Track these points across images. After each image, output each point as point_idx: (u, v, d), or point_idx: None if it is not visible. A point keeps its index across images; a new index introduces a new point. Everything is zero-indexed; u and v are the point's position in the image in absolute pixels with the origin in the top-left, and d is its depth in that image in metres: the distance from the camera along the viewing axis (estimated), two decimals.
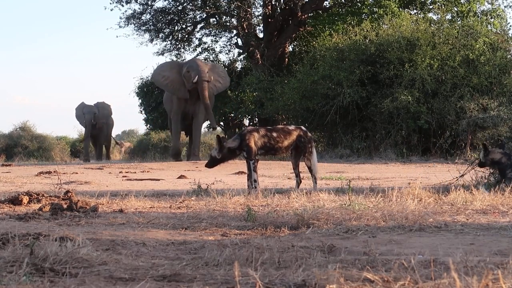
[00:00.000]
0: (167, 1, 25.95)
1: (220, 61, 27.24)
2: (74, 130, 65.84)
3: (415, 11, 23.92)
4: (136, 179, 10.95)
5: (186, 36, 26.46)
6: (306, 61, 21.60)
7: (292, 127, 7.70)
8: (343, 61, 19.61)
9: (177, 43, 26.53)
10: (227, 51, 29.36)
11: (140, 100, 27.37)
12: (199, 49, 27.10)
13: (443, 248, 3.53)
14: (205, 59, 26.54)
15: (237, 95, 24.25)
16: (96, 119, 22.90)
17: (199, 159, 18.31)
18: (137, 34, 25.91)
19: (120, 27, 25.72)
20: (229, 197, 6.47)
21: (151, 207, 6.05)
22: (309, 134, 7.72)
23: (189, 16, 26.16)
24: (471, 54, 18.40)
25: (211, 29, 26.62)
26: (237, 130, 25.02)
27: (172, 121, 19.21)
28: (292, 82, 20.70)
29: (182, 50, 26.81)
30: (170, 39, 26.30)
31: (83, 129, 23.79)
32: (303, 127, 7.80)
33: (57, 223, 4.90)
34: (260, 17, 26.33)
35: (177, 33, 26.33)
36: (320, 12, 25.40)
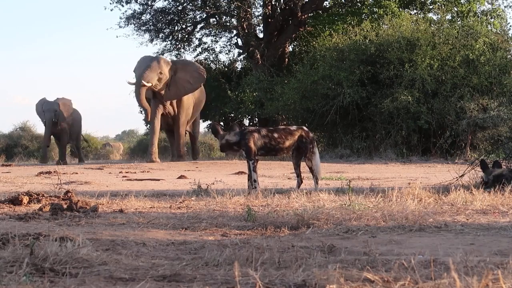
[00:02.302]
0: (167, 1, 26.01)
1: (220, 61, 27.26)
2: None
3: (415, 11, 23.94)
4: (136, 179, 10.95)
5: (186, 36, 26.48)
6: (306, 61, 21.61)
7: (293, 128, 7.70)
8: (343, 61, 19.62)
9: (177, 43, 26.54)
10: (227, 51, 29.44)
11: None
12: (199, 49, 27.15)
13: (443, 248, 3.53)
14: (205, 59, 26.56)
15: (237, 95, 24.25)
16: (57, 117, 20.69)
17: (178, 160, 17.74)
18: (137, 34, 25.98)
19: (120, 27, 25.79)
20: (229, 197, 6.47)
21: (151, 207, 6.05)
22: (311, 134, 7.71)
23: (189, 16, 26.18)
24: (471, 54, 18.41)
25: (211, 29, 26.63)
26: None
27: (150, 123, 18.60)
28: (292, 82, 20.71)
29: (182, 50, 26.83)
30: (170, 39, 26.32)
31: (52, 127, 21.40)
32: (305, 128, 7.79)
33: (57, 223, 4.90)
34: (260, 17, 26.36)
35: (177, 33, 26.34)
36: (320, 12, 25.42)
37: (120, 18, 27.70)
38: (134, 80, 17.57)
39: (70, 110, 21.36)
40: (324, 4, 25.62)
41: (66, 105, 21.16)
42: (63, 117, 20.94)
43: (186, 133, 19.36)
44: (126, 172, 13.07)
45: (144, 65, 17.29)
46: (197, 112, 19.48)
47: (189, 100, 18.46)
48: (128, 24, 25.57)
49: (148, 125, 18.74)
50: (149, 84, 17.03)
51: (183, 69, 17.86)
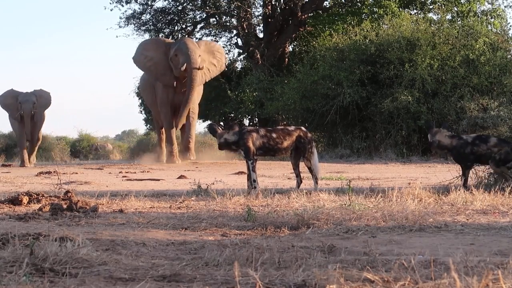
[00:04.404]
0: (167, 1, 26.02)
1: None
2: (74, 130, 65.84)
3: (415, 11, 23.93)
4: (136, 179, 10.95)
5: (186, 36, 26.48)
6: (306, 61, 21.60)
7: (292, 128, 7.72)
8: (343, 61, 19.62)
9: None
10: (227, 51, 29.38)
11: (140, 100, 27.38)
12: None
13: (443, 248, 3.53)
14: None
15: (237, 95, 24.25)
16: (34, 110, 17.98)
17: (190, 158, 16.29)
18: (137, 34, 25.97)
19: (120, 27, 25.78)
20: (229, 197, 6.47)
21: (151, 207, 6.05)
22: (309, 134, 7.73)
23: (189, 16, 26.18)
24: (471, 54, 18.40)
25: (211, 29, 26.64)
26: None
27: (162, 115, 16.72)
28: (292, 82, 20.70)
29: None
30: (170, 39, 26.31)
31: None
32: (303, 128, 7.81)
33: (57, 223, 4.90)
34: (260, 17, 26.36)
35: (177, 33, 26.34)
36: (320, 12, 25.42)
37: (120, 18, 27.69)
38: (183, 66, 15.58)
39: (47, 104, 18.74)
40: (324, 4, 25.62)
41: (43, 97, 18.48)
42: (40, 110, 18.42)
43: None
44: (126, 172, 13.06)
45: (184, 49, 15.66)
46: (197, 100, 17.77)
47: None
48: (128, 24, 25.59)
49: (163, 121, 16.89)
50: (201, 68, 15.69)
51: (207, 50, 16.48)
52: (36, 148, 19.41)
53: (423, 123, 17.64)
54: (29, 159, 18.47)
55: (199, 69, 15.72)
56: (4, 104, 18.45)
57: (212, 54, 16.61)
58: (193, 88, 15.82)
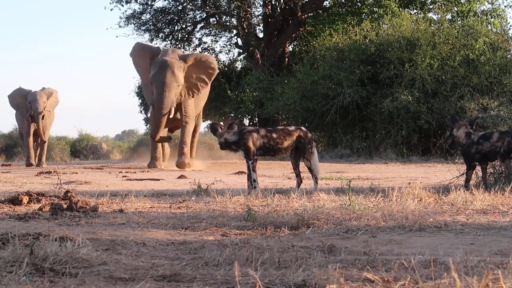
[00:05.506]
0: (167, 1, 26.03)
1: (220, 61, 27.25)
2: (74, 130, 65.80)
3: (415, 11, 23.93)
4: (136, 179, 10.95)
5: (186, 36, 26.48)
6: (306, 61, 21.62)
7: (292, 128, 7.72)
8: (343, 61, 19.63)
9: (177, 43, 26.54)
10: (227, 51, 29.39)
11: (140, 100, 27.39)
12: (199, 49, 27.14)
13: (443, 248, 3.53)
14: None
15: (237, 95, 24.25)
16: (45, 108, 17.61)
17: (186, 166, 14.58)
18: (137, 34, 26.02)
19: (120, 27, 25.81)
20: (229, 197, 6.47)
21: (151, 207, 6.05)
22: (309, 134, 7.73)
23: (189, 16, 26.19)
24: (471, 54, 18.41)
25: (211, 29, 26.65)
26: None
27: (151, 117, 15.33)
28: (292, 82, 20.72)
29: (182, 50, 26.81)
30: (170, 39, 26.32)
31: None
32: (303, 128, 7.81)
33: (57, 223, 4.90)
34: (260, 17, 26.37)
35: (177, 33, 26.35)
36: (320, 12, 25.43)
37: (120, 18, 27.77)
38: (149, 109, 14.59)
39: (57, 102, 18.54)
40: (324, 3, 25.63)
41: (53, 96, 18.18)
42: (49, 109, 18.01)
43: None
44: (126, 172, 13.06)
45: (159, 82, 14.22)
46: (202, 102, 16.66)
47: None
48: (128, 24, 25.60)
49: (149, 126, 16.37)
50: (173, 109, 14.37)
51: (194, 65, 15.03)
52: (45, 148, 18.90)
53: (422, 123, 17.67)
54: (40, 159, 18.15)
55: (169, 114, 14.33)
56: (14, 104, 18.17)
57: (203, 68, 15.15)
58: (158, 132, 14.38)
